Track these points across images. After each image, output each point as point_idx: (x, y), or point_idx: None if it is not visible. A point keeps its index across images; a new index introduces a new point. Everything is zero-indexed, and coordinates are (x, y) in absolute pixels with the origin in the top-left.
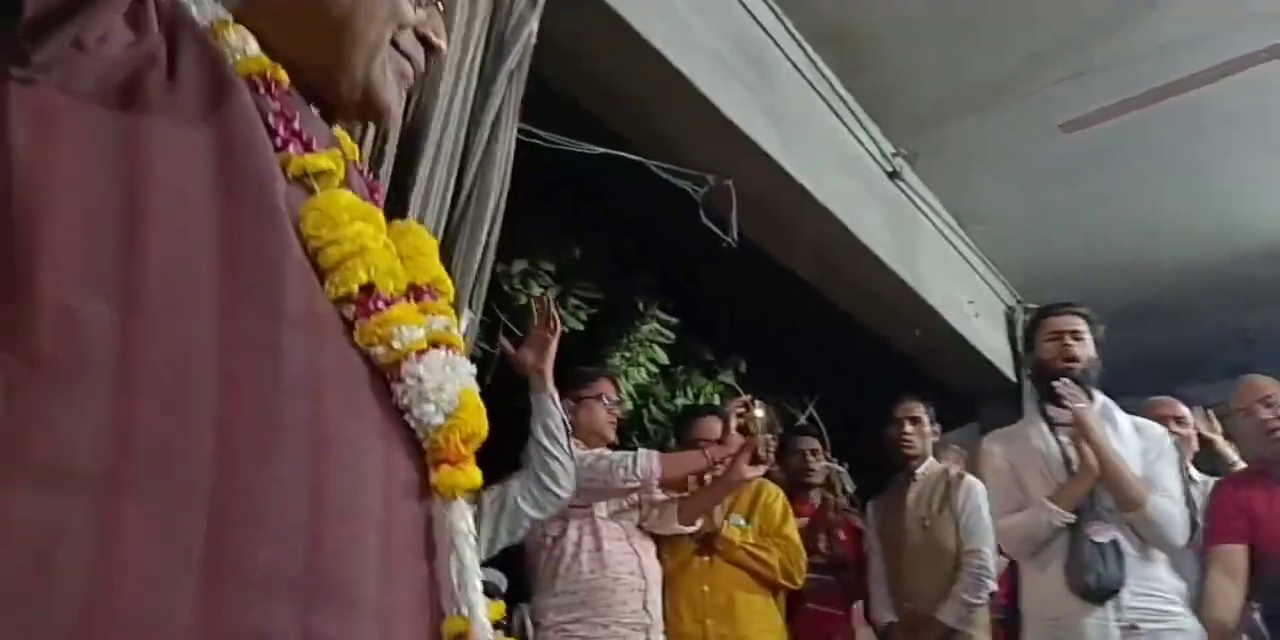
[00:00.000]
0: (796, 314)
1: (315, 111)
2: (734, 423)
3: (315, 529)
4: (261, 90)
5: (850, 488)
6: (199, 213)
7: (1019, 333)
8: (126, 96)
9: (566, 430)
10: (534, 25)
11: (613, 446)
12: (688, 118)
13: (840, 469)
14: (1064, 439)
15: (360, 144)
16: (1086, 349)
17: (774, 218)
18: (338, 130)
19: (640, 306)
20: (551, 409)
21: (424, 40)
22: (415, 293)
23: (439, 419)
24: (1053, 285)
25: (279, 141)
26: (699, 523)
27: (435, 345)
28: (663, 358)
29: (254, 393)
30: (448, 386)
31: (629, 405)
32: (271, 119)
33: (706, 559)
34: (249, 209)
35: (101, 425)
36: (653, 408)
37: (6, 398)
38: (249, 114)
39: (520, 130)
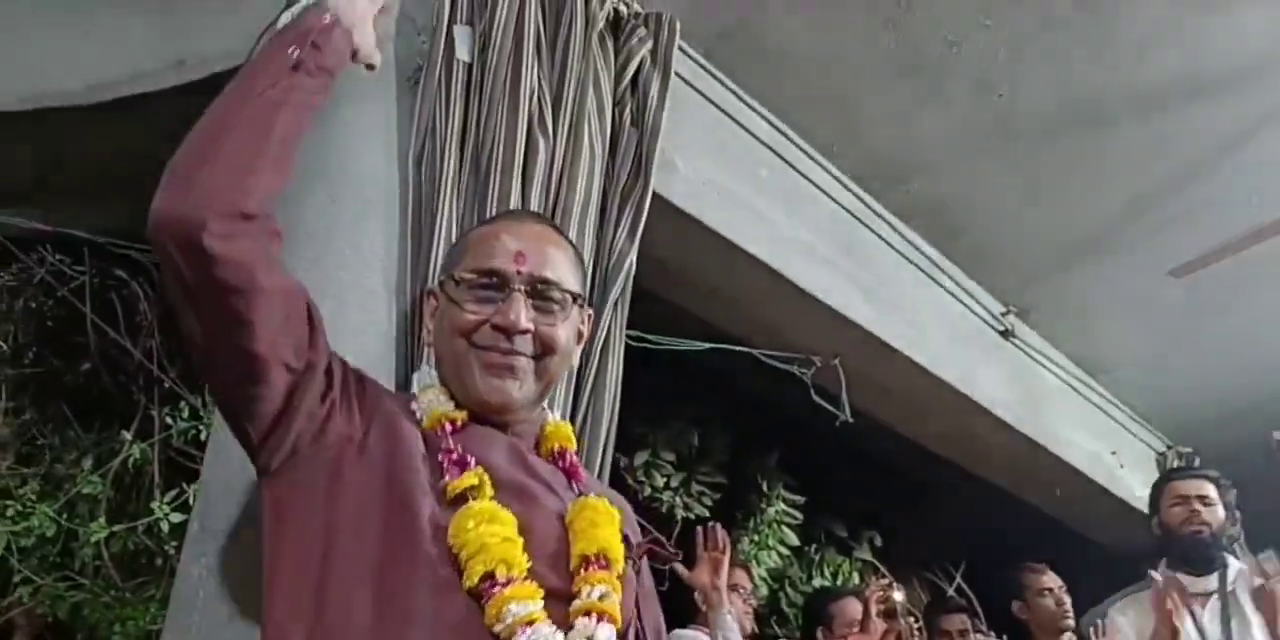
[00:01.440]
0: (928, 483)
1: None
2: (874, 609)
3: None
4: (440, 432)
5: None
6: (368, 545)
7: None
8: (333, 474)
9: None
10: (633, 256)
11: (752, 637)
12: (786, 307)
13: None
14: (1197, 609)
15: None
16: (1216, 514)
17: (887, 391)
18: (554, 422)
19: (764, 488)
20: (731, 623)
21: (500, 328)
22: (585, 561)
23: None
24: (1205, 427)
25: (445, 472)
26: None
27: (588, 612)
28: (793, 538)
29: None
30: None
31: (764, 590)
32: (440, 456)
33: None
34: (401, 537)
35: None
36: (789, 591)
37: None
38: (411, 469)
39: (631, 337)
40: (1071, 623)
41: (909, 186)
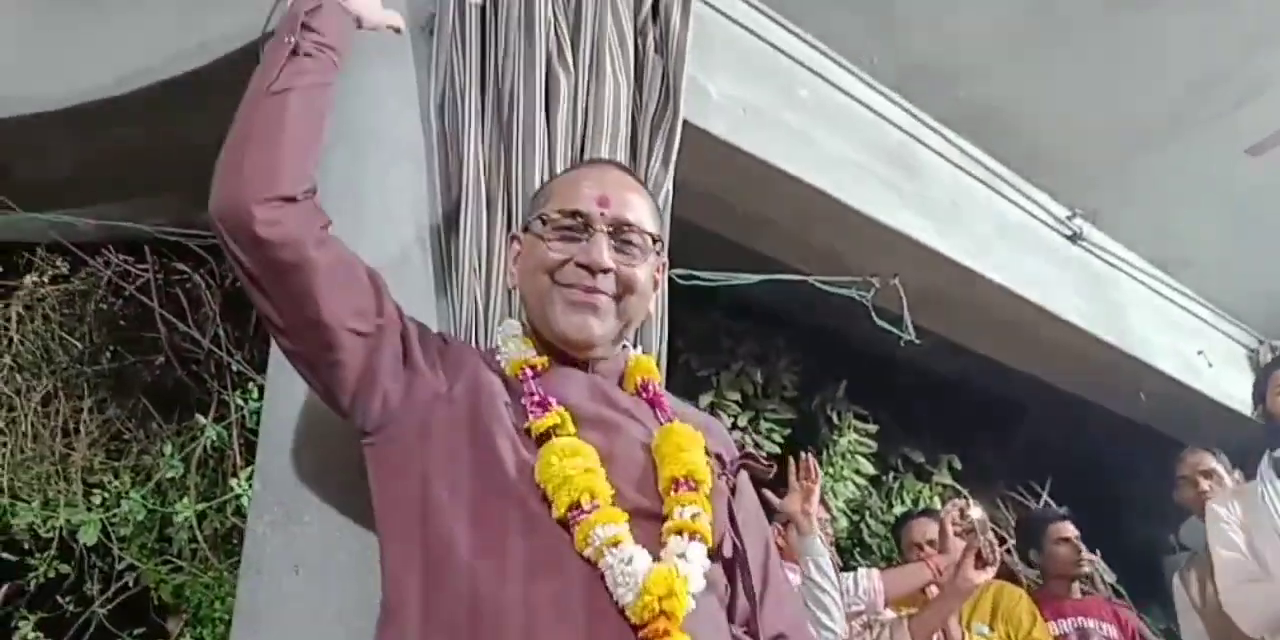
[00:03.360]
0: (1005, 400)
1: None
2: (950, 528)
3: None
4: (522, 377)
5: (1110, 577)
6: (461, 487)
7: None
8: (423, 428)
9: (836, 568)
10: (669, 185)
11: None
12: (839, 229)
13: (1094, 558)
14: None
15: None
16: None
17: (954, 308)
18: (637, 356)
19: (834, 419)
20: (821, 548)
21: (583, 266)
22: (674, 483)
23: (630, 598)
24: None
25: (529, 414)
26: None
27: (679, 531)
28: (868, 468)
29: (490, 617)
30: (636, 570)
31: (843, 522)
32: (523, 400)
33: None
34: (490, 480)
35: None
36: (870, 521)
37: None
38: (494, 415)
39: (681, 275)
40: (1085, 570)
41: (956, 92)
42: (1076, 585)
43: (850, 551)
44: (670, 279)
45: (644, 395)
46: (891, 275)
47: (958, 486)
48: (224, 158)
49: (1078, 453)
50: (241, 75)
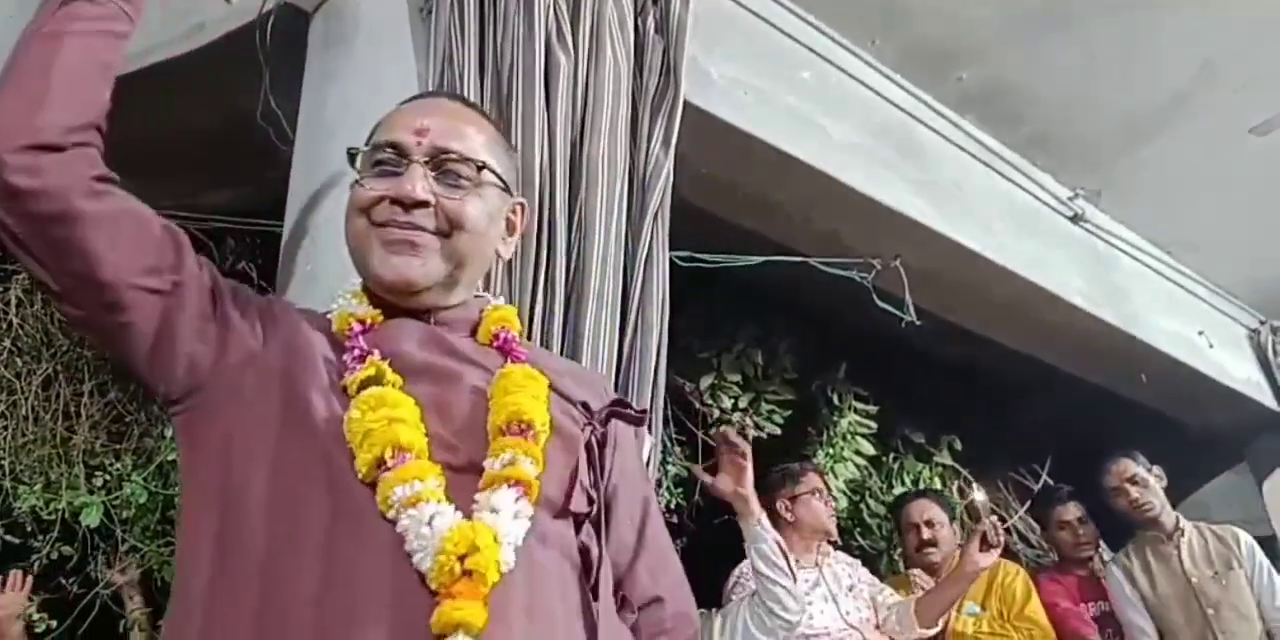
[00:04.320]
0: (1006, 381)
1: (417, 321)
2: (991, 539)
3: None
4: (349, 333)
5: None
6: (262, 448)
7: (1272, 355)
8: (233, 392)
9: (783, 552)
10: (669, 166)
11: (833, 545)
12: (841, 212)
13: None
14: None
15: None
16: None
17: (955, 289)
18: (496, 306)
19: (835, 400)
20: (761, 533)
21: (396, 201)
22: (500, 431)
23: (427, 563)
24: None
25: (348, 369)
26: (941, 623)
27: (492, 483)
28: (868, 448)
29: (282, 576)
30: (434, 529)
31: (843, 502)
32: (346, 356)
33: None
34: (295, 431)
35: (196, 616)
36: (870, 501)
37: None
38: (310, 372)
39: (683, 257)
40: (1089, 552)
41: (958, 74)
42: (1096, 565)
43: (850, 532)
44: (671, 261)
45: (496, 343)
46: (893, 257)
47: (958, 467)
48: None
49: (1079, 433)
50: (239, 56)
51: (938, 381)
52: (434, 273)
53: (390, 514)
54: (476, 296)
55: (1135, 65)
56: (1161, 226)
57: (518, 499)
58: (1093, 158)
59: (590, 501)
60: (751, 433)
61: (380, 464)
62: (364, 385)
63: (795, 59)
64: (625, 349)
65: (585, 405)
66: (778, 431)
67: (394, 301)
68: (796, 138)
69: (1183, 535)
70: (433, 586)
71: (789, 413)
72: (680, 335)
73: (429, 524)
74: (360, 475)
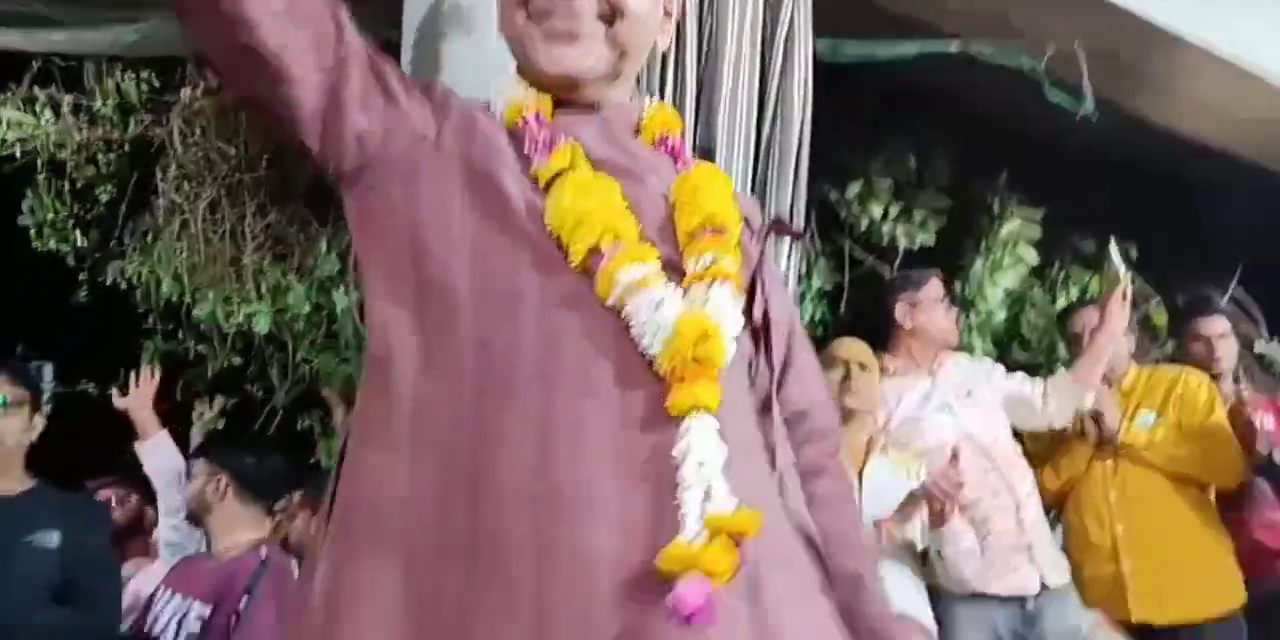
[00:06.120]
0: (1191, 182)
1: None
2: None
3: (547, 457)
4: (522, 123)
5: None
6: (458, 233)
7: None
8: (408, 172)
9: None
10: None
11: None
12: None
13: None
14: None
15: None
16: None
17: (1138, 75)
18: (656, 105)
19: (995, 206)
20: None
21: None
22: (690, 234)
23: (657, 347)
24: None
25: (535, 159)
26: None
27: (699, 280)
28: (1031, 257)
29: (501, 357)
30: (664, 315)
31: (1002, 314)
32: (525, 144)
33: (1109, 462)
34: (492, 218)
35: (405, 402)
36: (1030, 313)
37: (360, 387)
38: (494, 157)
39: (825, 50)
40: (1222, 368)
41: None
42: (1225, 385)
43: (1007, 345)
44: (815, 54)
45: (664, 148)
46: (1067, 42)
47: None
48: None
49: (1275, 240)
50: None
51: (1112, 184)
52: (599, 63)
53: (611, 299)
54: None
55: None
56: None
57: (732, 295)
58: None
59: (764, 314)
60: (902, 243)
61: (595, 251)
62: (559, 174)
63: None
64: (763, 144)
65: (746, 222)
66: (931, 243)
67: (556, 94)
68: None
69: None
70: (661, 371)
71: (943, 222)
72: (823, 136)
73: (657, 309)
74: (574, 262)
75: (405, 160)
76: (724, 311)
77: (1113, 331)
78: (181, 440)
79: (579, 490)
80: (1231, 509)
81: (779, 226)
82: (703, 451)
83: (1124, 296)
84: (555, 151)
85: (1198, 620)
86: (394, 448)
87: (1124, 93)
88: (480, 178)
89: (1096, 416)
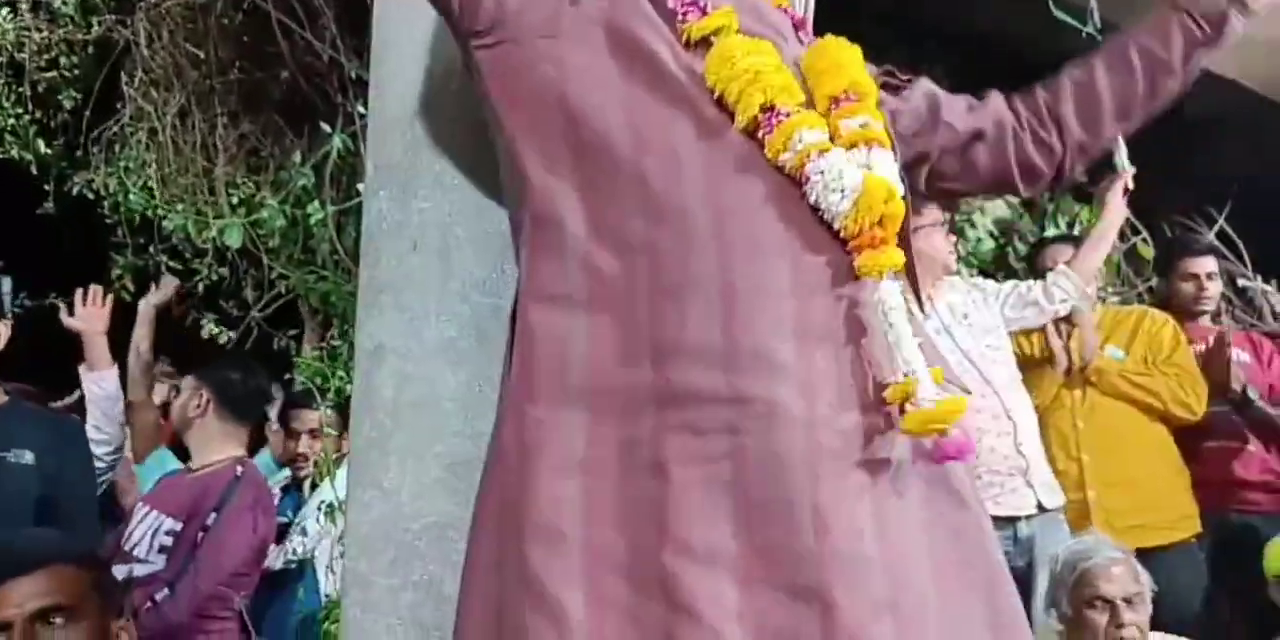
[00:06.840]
0: (1190, 113)
1: None
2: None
3: (729, 314)
4: None
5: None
6: (609, 93)
7: None
8: (549, 28)
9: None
10: None
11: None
12: None
13: (1267, 287)
14: None
15: None
16: None
17: None
18: None
19: None
20: None
21: None
22: (834, 101)
23: (845, 206)
24: None
25: (681, 18)
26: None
27: (854, 144)
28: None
29: (670, 221)
30: (848, 176)
31: (989, 243)
32: (673, 4)
33: (1078, 392)
34: (642, 79)
35: (577, 261)
36: (1018, 244)
37: (525, 247)
38: (638, 19)
39: None
40: (1207, 307)
41: None
42: (1205, 320)
43: (994, 276)
44: None
45: (788, 14)
46: None
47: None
48: None
49: (1270, 174)
50: None
51: None
52: None
53: (784, 158)
54: None
55: None
56: None
57: (894, 159)
58: None
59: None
60: None
61: (769, 109)
62: (708, 37)
63: None
64: None
65: None
66: None
67: None
68: None
69: None
70: (844, 232)
71: None
72: None
73: (840, 171)
74: (740, 122)
75: (543, 18)
76: (890, 174)
77: (1112, 221)
78: (186, 359)
79: (761, 350)
80: (1202, 439)
81: (888, 80)
82: (898, 311)
83: (1125, 189)
84: (715, 9)
85: (1153, 547)
86: (569, 306)
87: (1129, 13)
88: (625, 38)
89: (1070, 331)
